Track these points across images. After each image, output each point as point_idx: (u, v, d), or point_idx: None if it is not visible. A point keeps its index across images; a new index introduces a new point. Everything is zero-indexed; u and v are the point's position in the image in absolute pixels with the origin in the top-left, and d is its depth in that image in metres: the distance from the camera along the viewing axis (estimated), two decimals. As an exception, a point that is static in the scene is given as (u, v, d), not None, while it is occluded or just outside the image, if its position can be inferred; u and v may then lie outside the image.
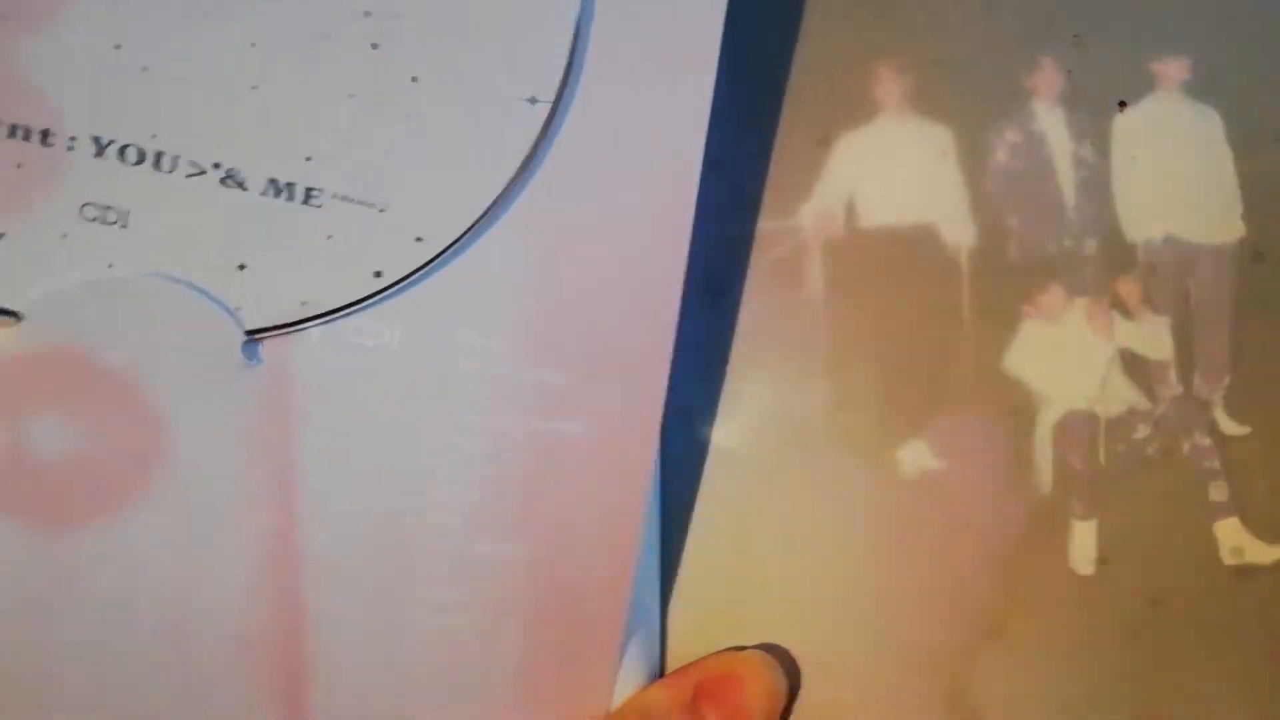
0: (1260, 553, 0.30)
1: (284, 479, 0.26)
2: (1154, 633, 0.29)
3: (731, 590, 0.30)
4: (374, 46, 0.25)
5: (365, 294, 0.26)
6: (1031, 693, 0.29)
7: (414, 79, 0.26)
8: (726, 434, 0.30)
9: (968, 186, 0.30)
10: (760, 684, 0.29)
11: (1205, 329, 0.30)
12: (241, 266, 0.25)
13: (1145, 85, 0.31)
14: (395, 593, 0.27)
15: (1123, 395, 0.30)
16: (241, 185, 0.25)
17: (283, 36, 0.25)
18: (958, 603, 0.29)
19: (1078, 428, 0.30)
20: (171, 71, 0.24)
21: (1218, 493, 0.30)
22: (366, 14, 0.25)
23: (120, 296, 0.25)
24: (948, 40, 0.31)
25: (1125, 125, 0.31)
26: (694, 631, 0.30)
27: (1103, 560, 0.29)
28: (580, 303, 0.27)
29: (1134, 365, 0.30)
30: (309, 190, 0.25)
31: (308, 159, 0.25)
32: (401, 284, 0.26)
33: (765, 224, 0.30)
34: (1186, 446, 0.30)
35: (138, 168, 0.24)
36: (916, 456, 0.30)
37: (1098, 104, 0.31)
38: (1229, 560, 0.30)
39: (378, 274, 0.26)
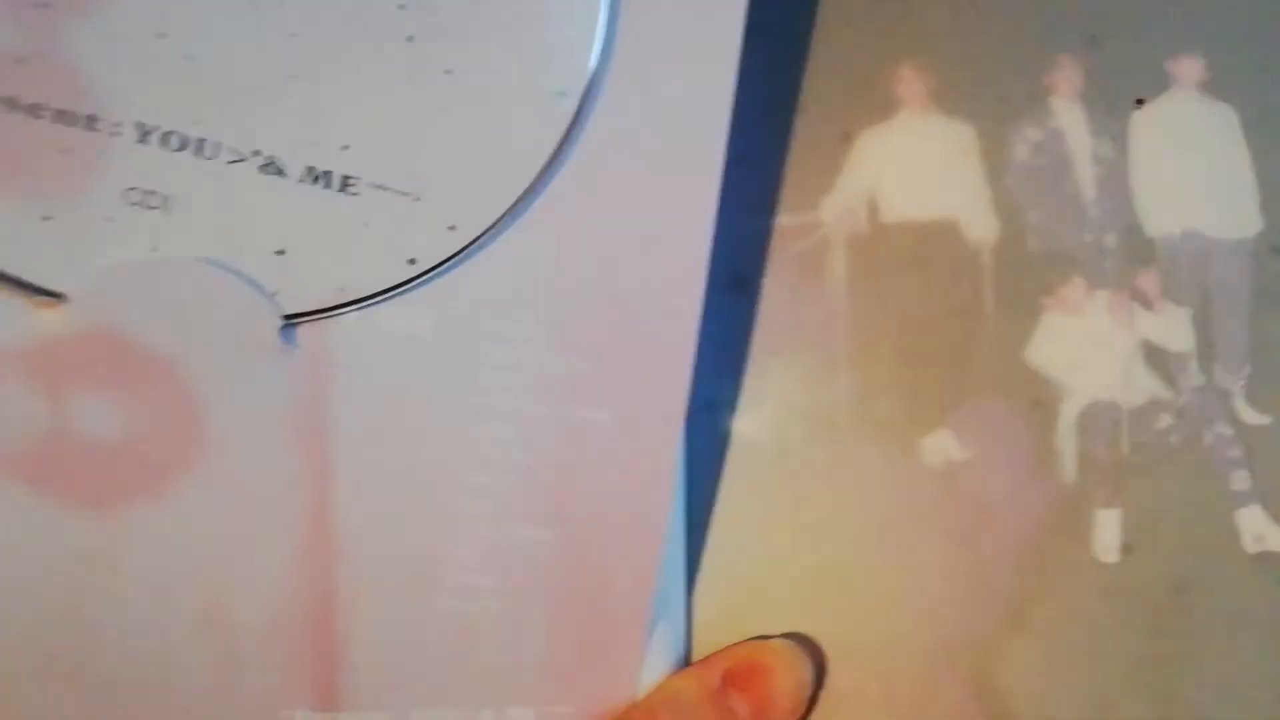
0: (1282, 540, 0.30)
1: (319, 462, 0.26)
2: (1177, 620, 0.29)
3: (756, 580, 0.30)
4: (409, 39, 0.26)
5: (399, 281, 0.26)
6: (1056, 680, 0.29)
7: (447, 71, 0.26)
8: (750, 425, 0.31)
9: (989, 182, 0.31)
10: (788, 673, 0.29)
11: (1225, 321, 0.30)
12: (280, 252, 0.26)
13: (1162, 83, 0.31)
14: (425, 576, 0.27)
15: (1145, 386, 0.30)
16: (280, 172, 0.26)
17: (322, 28, 0.25)
18: (982, 591, 0.30)
19: (1101, 418, 0.30)
20: (214, 60, 0.25)
21: (1239, 481, 0.30)
22: (402, 7, 0.26)
23: (162, 280, 0.25)
24: (968, 39, 0.31)
25: (1143, 122, 0.31)
26: (719, 621, 0.30)
27: (1126, 548, 0.30)
28: (607, 292, 0.28)
29: (1155, 356, 0.30)
30: (346, 178, 0.26)
31: (345, 148, 0.26)
32: (435, 271, 0.27)
33: (787, 218, 0.31)
34: (1208, 436, 0.30)
35: (180, 154, 0.25)
36: (941, 447, 0.30)
37: (1115, 101, 0.31)
38: (1251, 548, 0.30)
39: (412, 261, 0.26)
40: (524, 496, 0.28)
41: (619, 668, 0.29)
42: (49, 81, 0.24)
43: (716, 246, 0.28)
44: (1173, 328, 0.30)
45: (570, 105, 0.27)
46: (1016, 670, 0.29)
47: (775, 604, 0.30)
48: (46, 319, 0.25)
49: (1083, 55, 0.31)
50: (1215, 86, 0.31)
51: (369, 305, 0.26)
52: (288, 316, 0.26)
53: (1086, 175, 0.31)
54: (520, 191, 0.27)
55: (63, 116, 0.24)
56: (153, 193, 0.25)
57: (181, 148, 0.25)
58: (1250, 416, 0.30)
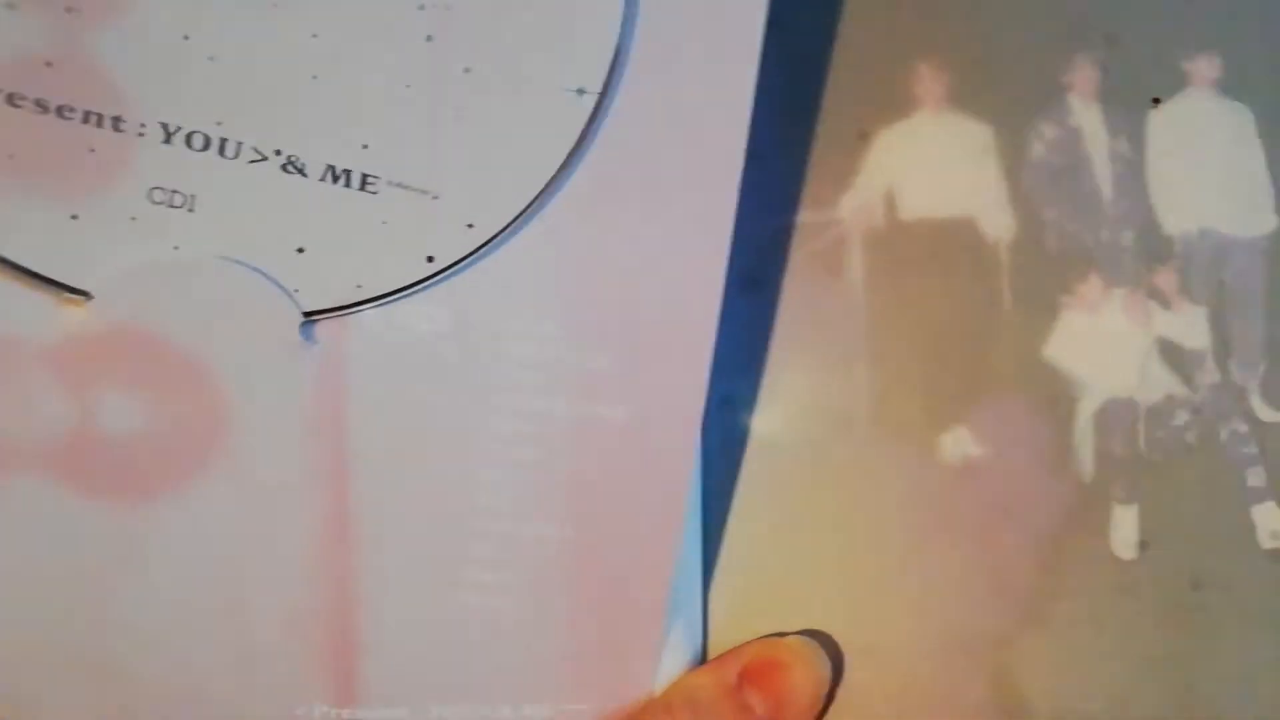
0: (1298, 536, 0.30)
1: (338, 459, 0.27)
2: (1195, 615, 0.29)
3: (772, 577, 0.30)
4: (428, 38, 0.26)
5: (418, 278, 0.27)
6: (1074, 676, 0.29)
7: (466, 70, 0.26)
8: (767, 422, 0.31)
9: (1006, 180, 0.31)
10: (805, 670, 0.29)
11: (1241, 318, 0.30)
12: (300, 250, 0.26)
13: (1178, 83, 0.31)
14: (443, 572, 0.27)
15: (1162, 383, 0.30)
16: (301, 171, 0.26)
17: (342, 28, 0.26)
18: (1000, 588, 0.30)
19: (1118, 415, 0.30)
20: (236, 61, 0.25)
21: (1255, 478, 0.30)
22: (421, 7, 0.26)
23: (186, 277, 0.25)
24: (986, 38, 0.31)
25: (1159, 121, 0.31)
26: (735, 618, 0.30)
27: (1144, 545, 0.30)
28: (624, 289, 0.28)
29: (1172, 354, 0.30)
30: (365, 177, 0.26)
31: (364, 146, 0.26)
32: (453, 269, 0.27)
33: (805, 216, 0.31)
34: (1224, 433, 0.30)
35: (204, 153, 0.25)
36: (958, 443, 0.30)
37: (1132, 100, 0.31)
38: (1267, 544, 0.30)
39: (430, 259, 0.27)
40: (541, 493, 0.28)
41: (635, 665, 0.29)
42: (77, 84, 0.25)
43: (734, 244, 0.28)
44: (1189, 325, 0.30)
45: (589, 103, 0.27)
46: (1034, 666, 0.29)
47: (792, 601, 0.30)
48: (72, 316, 0.25)
49: (1100, 55, 0.31)
50: (1231, 86, 0.31)
51: (388, 303, 0.27)
52: (308, 314, 0.26)
53: (1104, 174, 0.31)
54: (538, 189, 0.27)
55: (90, 117, 0.25)
56: (177, 192, 0.25)
57: (205, 147, 0.25)
58: (1266, 413, 0.30)
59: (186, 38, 0.25)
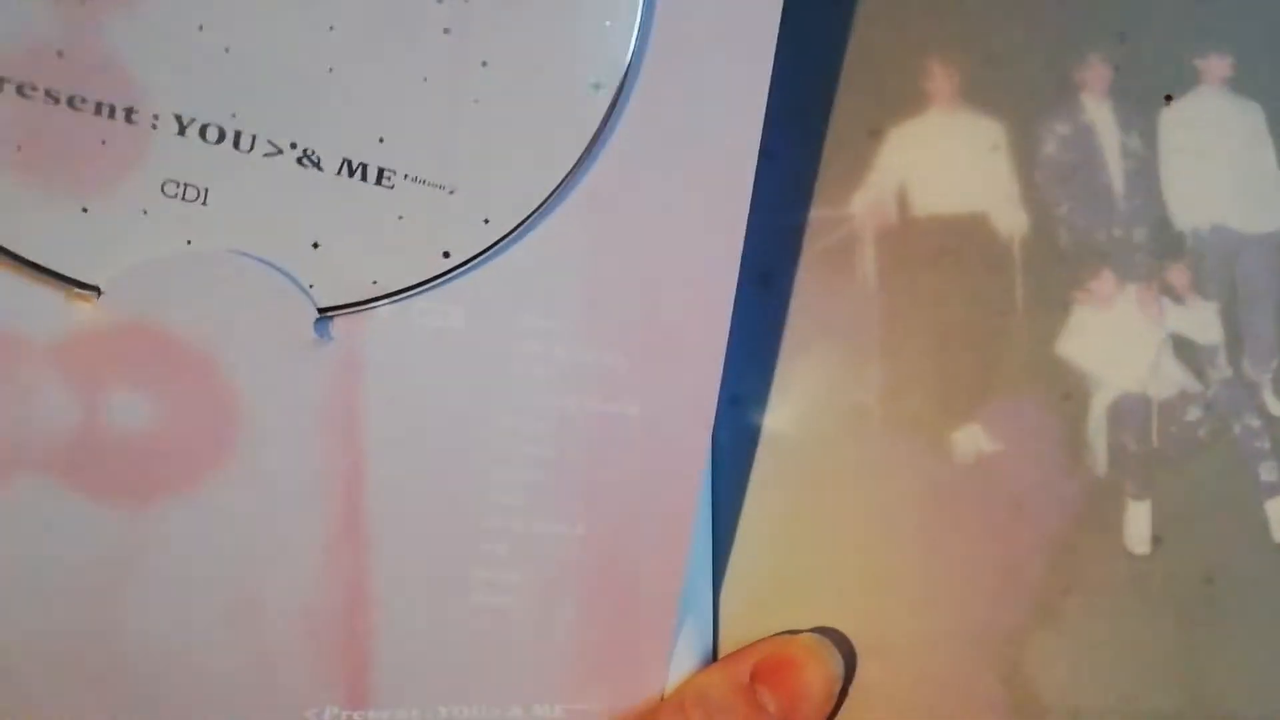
0: (1311, 532, 0.30)
1: (351, 455, 0.26)
2: (1207, 610, 0.29)
3: (784, 574, 0.30)
4: (446, 31, 0.26)
5: (433, 274, 0.26)
6: (1087, 671, 0.29)
7: (484, 64, 0.26)
8: (779, 419, 0.31)
9: (1018, 177, 0.31)
10: (817, 667, 0.29)
11: (1252, 314, 0.31)
12: (315, 245, 0.26)
13: (1190, 80, 0.31)
14: (456, 571, 0.27)
15: (1174, 378, 0.30)
16: (317, 165, 0.25)
17: (359, 20, 0.25)
18: (1013, 584, 0.30)
19: (1131, 410, 0.30)
20: (252, 53, 0.25)
21: (1268, 472, 0.30)
22: (439, 0, 0.26)
23: (199, 272, 0.25)
24: (997, 36, 0.31)
25: (1171, 118, 0.31)
26: (746, 616, 0.30)
27: (1157, 540, 0.30)
28: (638, 286, 0.28)
29: (1184, 349, 0.31)
30: (381, 171, 0.26)
31: (381, 140, 0.26)
32: (468, 265, 0.27)
33: (817, 213, 0.31)
34: (1237, 428, 0.30)
35: (218, 146, 0.25)
36: (971, 440, 0.30)
37: (1144, 98, 0.31)
38: (1280, 539, 0.30)
39: (446, 254, 0.26)
40: (554, 491, 0.28)
41: (647, 663, 0.29)
42: (89, 74, 0.24)
43: (747, 241, 0.28)
44: (1202, 321, 0.31)
45: (606, 98, 0.27)
46: (1047, 662, 0.29)
47: (803, 598, 0.30)
48: (81, 312, 0.25)
49: (1112, 52, 0.31)
50: (1242, 84, 0.31)
51: (403, 298, 0.26)
52: (322, 309, 0.26)
53: (1116, 170, 0.31)
54: (555, 185, 0.27)
55: (102, 109, 0.24)
56: (190, 185, 0.25)
57: (219, 140, 0.25)
58: (1278, 408, 0.30)
59: (201, 28, 0.25)
